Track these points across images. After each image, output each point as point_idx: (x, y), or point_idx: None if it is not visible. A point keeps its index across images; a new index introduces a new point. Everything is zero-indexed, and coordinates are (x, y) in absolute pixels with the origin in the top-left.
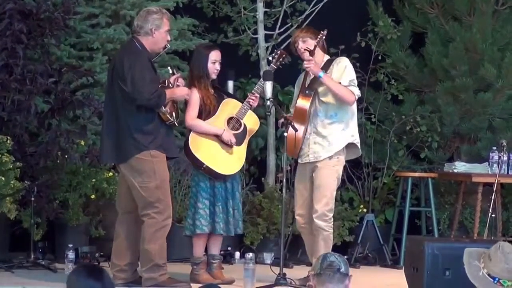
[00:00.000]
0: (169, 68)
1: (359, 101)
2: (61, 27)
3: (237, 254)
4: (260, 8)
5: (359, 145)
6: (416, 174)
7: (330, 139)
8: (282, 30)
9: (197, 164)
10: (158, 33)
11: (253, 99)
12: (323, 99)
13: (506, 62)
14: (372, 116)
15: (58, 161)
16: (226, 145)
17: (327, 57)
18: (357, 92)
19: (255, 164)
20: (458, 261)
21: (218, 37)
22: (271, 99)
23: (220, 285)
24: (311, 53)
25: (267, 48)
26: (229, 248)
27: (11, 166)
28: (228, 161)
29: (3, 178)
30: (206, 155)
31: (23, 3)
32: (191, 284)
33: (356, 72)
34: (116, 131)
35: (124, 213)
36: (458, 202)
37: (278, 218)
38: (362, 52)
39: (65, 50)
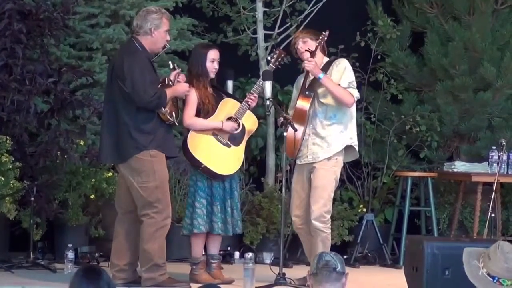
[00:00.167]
0: (170, 62)
1: (359, 100)
2: (61, 27)
3: (237, 254)
4: (260, 8)
5: (357, 148)
6: (416, 174)
7: (329, 140)
8: (281, 30)
9: (195, 163)
10: (157, 33)
11: (251, 99)
12: (322, 100)
13: (506, 61)
14: (372, 115)
15: (58, 161)
16: (225, 145)
17: (326, 59)
18: (356, 94)
19: (255, 164)
20: (458, 260)
21: (218, 37)
22: (270, 99)
23: (219, 285)
24: (312, 54)
25: (267, 48)
26: (229, 248)
27: (11, 166)
28: (226, 161)
29: (2, 178)
30: (204, 154)
31: (22, 3)
32: (191, 284)
33: (356, 71)
34: (115, 131)
35: (123, 213)
36: (457, 201)
37: (278, 218)
38: (362, 52)
39: (64, 50)
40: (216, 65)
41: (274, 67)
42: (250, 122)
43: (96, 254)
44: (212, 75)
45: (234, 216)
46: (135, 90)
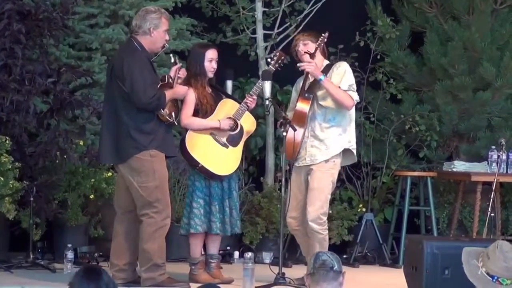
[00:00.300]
0: (171, 56)
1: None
2: (60, 27)
3: (236, 253)
4: (259, 7)
5: (355, 152)
6: (415, 173)
7: (327, 143)
8: (280, 29)
9: (192, 163)
10: (156, 33)
11: (250, 101)
12: (322, 103)
13: (505, 61)
14: (371, 115)
15: (57, 161)
16: (223, 145)
17: (326, 61)
18: (356, 97)
19: (254, 163)
20: (457, 260)
21: (217, 37)
22: (270, 99)
23: (219, 285)
24: (312, 56)
25: (266, 47)
26: (228, 248)
27: (10, 167)
28: (224, 162)
29: (2, 179)
30: (202, 154)
31: (21, 3)
32: (190, 284)
33: (355, 71)
34: (115, 131)
35: (123, 213)
36: (457, 201)
37: (277, 217)
38: (361, 52)
39: (63, 50)
40: (214, 65)
41: (274, 69)
42: (248, 123)
43: (96, 254)
44: (210, 75)
45: (233, 216)
46: (135, 90)
